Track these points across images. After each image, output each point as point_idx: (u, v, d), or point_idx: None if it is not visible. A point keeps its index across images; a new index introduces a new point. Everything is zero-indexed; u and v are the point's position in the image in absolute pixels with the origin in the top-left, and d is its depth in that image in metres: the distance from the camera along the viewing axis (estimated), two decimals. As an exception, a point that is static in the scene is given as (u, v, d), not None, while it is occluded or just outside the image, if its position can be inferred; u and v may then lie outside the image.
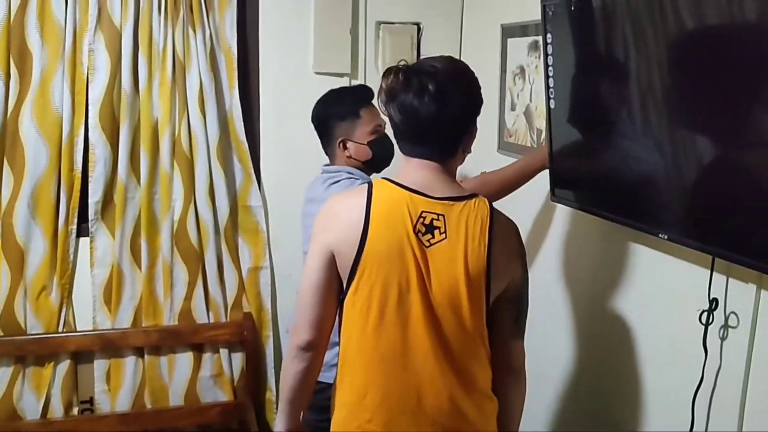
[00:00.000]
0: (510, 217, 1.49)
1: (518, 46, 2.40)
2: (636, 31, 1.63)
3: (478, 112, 1.47)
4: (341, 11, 2.73)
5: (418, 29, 2.88)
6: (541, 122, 2.24)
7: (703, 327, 1.63)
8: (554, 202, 2.12)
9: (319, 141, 2.12)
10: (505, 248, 1.43)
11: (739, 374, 1.56)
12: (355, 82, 2.82)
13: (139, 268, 2.63)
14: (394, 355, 1.41)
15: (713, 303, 1.61)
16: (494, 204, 1.48)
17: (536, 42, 2.26)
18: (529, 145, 2.36)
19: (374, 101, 2.01)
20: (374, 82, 2.81)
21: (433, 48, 2.89)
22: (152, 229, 2.62)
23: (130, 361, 2.66)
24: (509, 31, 2.47)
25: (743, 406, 1.56)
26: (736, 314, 1.58)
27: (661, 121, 1.61)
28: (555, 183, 2.09)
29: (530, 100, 2.34)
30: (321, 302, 1.46)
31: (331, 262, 1.43)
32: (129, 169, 2.57)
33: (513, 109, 2.45)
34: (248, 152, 2.68)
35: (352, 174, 2.01)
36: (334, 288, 1.46)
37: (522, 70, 2.39)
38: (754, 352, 1.54)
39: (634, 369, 1.93)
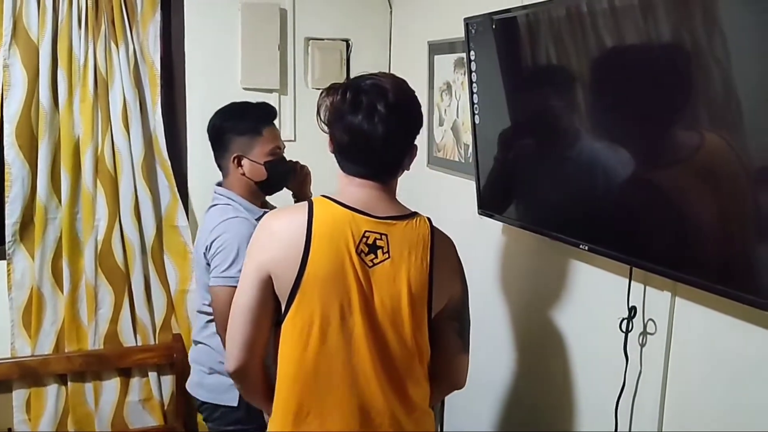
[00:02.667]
0: (447, 234, 1.49)
1: (445, 62, 2.45)
2: (557, 49, 1.69)
3: (419, 131, 1.46)
4: (269, 27, 2.72)
5: (347, 45, 2.90)
6: (468, 137, 2.28)
7: (624, 334, 1.69)
8: (481, 215, 2.16)
9: None
10: (446, 265, 1.44)
11: (658, 378, 1.62)
12: (284, 98, 2.81)
13: (61, 290, 2.53)
14: (337, 378, 1.37)
15: (632, 311, 1.68)
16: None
17: (462, 59, 2.31)
18: (457, 159, 2.40)
19: (276, 121, 2.02)
20: (304, 98, 2.84)
21: (362, 64, 2.91)
22: (75, 249, 2.52)
23: (52, 389, 2.55)
24: (436, 48, 2.51)
25: (662, 408, 1.62)
26: (653, 321, 1.64)
27: (581, 135, 1.67)
28: (481, 197, 2.13)
29: (457, 116, 2.39)
30: (254, 324, 1.40)
31: (267, 283, 1.38)
32: (49, 189, 2.48)
33: (441, 124, 2.49)
34: (171, 170, 2.62)
35: (237, 210, 1.93)
36: (269, 309, 1.40)
37: (449, 86, 2.43)
38: (670, 356, 1.60)
39: (562, 375, 1.98)
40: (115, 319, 2.59)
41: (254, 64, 2.72)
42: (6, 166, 2.42)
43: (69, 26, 2.41)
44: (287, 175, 2.05)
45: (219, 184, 2.00)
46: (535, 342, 2.09)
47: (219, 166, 2.01)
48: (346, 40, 2.89)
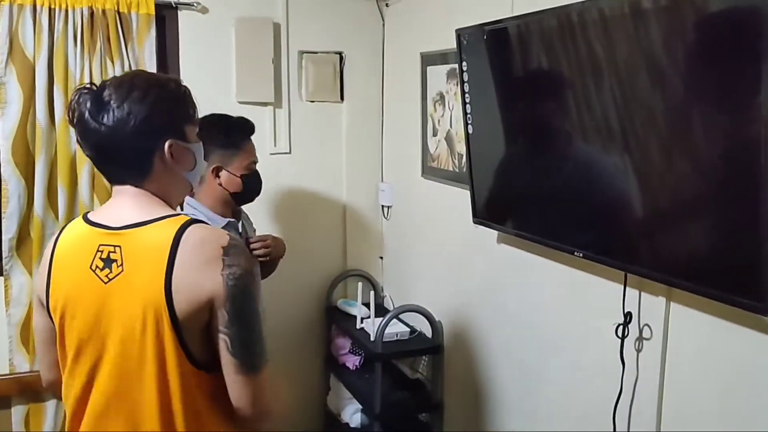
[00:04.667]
0: (213, 229, 1.28)
1: (437, 73, 2.47)
2: (549, 58, 1.71)
3: (162, 128, 1.26)
4: (263, 41, 2.74)
5: (341, 58, 2.92)
6: (461, 147, 2.30)
7: (620, 340, 1.70)
8: (476, 224, 2.17)
9: None
10: (193, 264, 1.20)
11: (655, 383, 1.63)
12: (279, 111, 2.83)
13: (59, 306, 2.53)
14: (79, 410, 1.29)
15: (628, 317, 1.69)
16: None
17: (454, 69, 2.33)
18: (451, 169, 2.42)
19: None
20: (298, 111, 2.86)
21: (356, 76, 2.94)
22: (72, 265, 2.52)
23: (50, 404, 2.54)
24: (429, 59, 2.53)
25: (660, 413, 1.63)
26: (649, 326, 1.66)
27: (574, 143, 1.69)
28: (476, 206, 2.14)
29: (450, 126, 2.41)
30: (45, 348, 1.39)
31: (42, 308, 1.34)
32: (46, 204, 2.48)
33: (435, 134, 2.51)
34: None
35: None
36: (53, 333, 1.34)
37: (442, 96, 2.45)
38: (667, 361, 1.62)
39: (559, 382, 1.99)
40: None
41: (249, 78, 2.74)
42: (2, 183, 2.42)
43: (65, 44, 2.42)
44: (259, 188, 2.15)
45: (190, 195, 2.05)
46: (532, 349, 2.10)
47: None
48: (340, 53, 2.92)
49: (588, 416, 1.87)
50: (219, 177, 2.02)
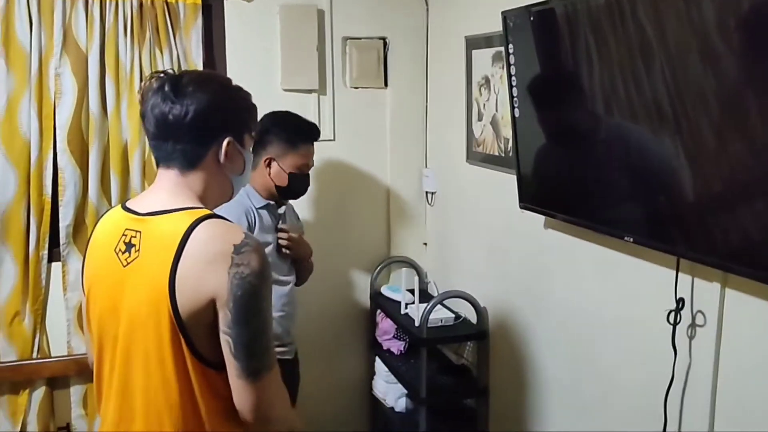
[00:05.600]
0: (229, 226, 1.25)
1: (482, 57, 2.44)
2: (597, 38, 1.67)
3: (227, 124, 1.31)
4: (308, 28, 2.76)
5: (385, 44, 2.91)
6: (507, 131, 2.28)
7: (671, 327, 1.66)
8: (522, 209, 2.15)
9: None
10: (200, 259, 1.19)
11: (708, 371, 1.59)
12: (323, 98, 2.84)
13: (113, 290, 2.61)
14: (109, 392, 1.31)
15: (680, 303, 1.65)
16: None
17: (500, 53, 2.30)
18: (497, 153, 2.40)
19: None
20: (343, 97, 2.87)
21: (400, 62, 2.93)
22: (125, 251, 2.60)
23: (106, 385, 2.63)
24: (473, 43, 2.51)
25: (714, 402, 1.59)
26: (702, 313, 1.62)
27: (624, 126, 1.65)
28: (522, 190, 2.12)
29: (496, 110, 2.38)
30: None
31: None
32: (99, 192, 2.56)
33: (480, 119, 2.49)
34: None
35: (240, 195, 2.03)
36: None
37: (487, 80, 2.43)
38: (721, 349, 1.57)
39: (608, 370, 1.96)
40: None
41: (293, 66, 2.76)
42: (59, 171, 2.51)
43: (115, 35, 2.48)
44: (303, 190, 2.24)
45: None
46: (580, 335, 2.07)
47: None
48: (384, 39, 2.91)
49: (638, 403, 1.84)
50: (270, 168, 2.14)
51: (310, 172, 2.24)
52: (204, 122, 1.26)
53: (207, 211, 1.26)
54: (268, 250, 2.11)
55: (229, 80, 1.39)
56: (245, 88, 1.39)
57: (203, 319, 1.20)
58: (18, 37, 2.41)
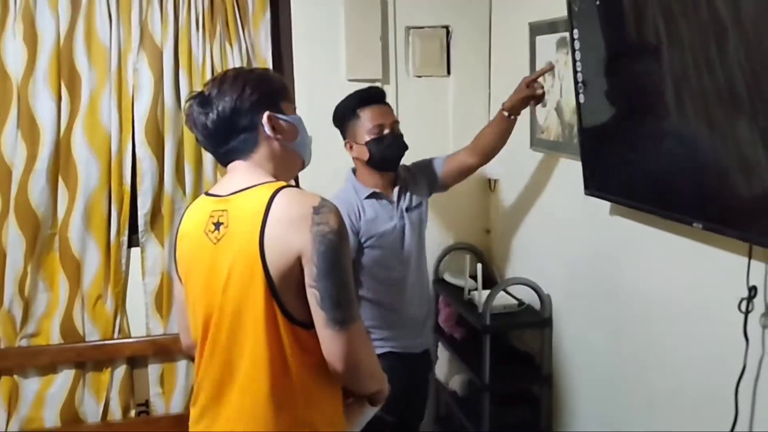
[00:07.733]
0: (306, 192, 1.38)
1: (547, 43, 2.42)
2: (667, 22, 1.64)
3: (256, 104, 1.40)
4: (371, 18, 2.79)
5: (447, 32, 2.91)
6: (572, 117, 2.26)
7: (743, 315, 1.63)
8: (587, 195, 2.13)
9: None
10: (284, 221, 1.30)
11: (782, 361, 1.56)
12: (387, 87, 2.86)
13: (188, 275, 2.74)
14: (210, 361, 1.41)
15: (752, 291, 1.61)
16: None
17: (564, 38, 2.28)
18: (561, 140, 2.38)
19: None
20: (405, 87, 2.90)
21: (462, 50, 2.93)
22: (198, 237, 2.71)
23: (182, 364, 2.77)
24: (537, 29, 2.49)
25: (787, 393, 1.56)
26: (776, 301, 1.58)
27: (696, 111, 1.61)
28: (588, 177, 2.10)
29: (560, 96, 2.36)
30: (180, 314, 1.58)
31: (176, 278, 1.53)
32: (174, 181, 2.68)
33: (544, 105, 2.47)
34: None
35: (343, 191, 2.19)
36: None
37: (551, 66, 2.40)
38: (796, 338, 1.54)
39: (677, 359, 1.93)
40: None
41: (358, 56, 2.80)
42: (137, 161, 2.64)
43: (188, 30, 2.59)
44: (390, 151, 2.14)
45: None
46: (647, 324, 2.04)
47: None
48: (446, 27, 2.91)
49: (708, 394, 1.80)
50: (353, 150, 2.16)
51: (396, 134, 2.16)
52: (236, 112, 1.38)
53: (284, 183, 1.38)
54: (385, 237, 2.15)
55: (242, 68, 1.50)
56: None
57: (292, 278, 1.30)
58: (99, 35, 2.54)
